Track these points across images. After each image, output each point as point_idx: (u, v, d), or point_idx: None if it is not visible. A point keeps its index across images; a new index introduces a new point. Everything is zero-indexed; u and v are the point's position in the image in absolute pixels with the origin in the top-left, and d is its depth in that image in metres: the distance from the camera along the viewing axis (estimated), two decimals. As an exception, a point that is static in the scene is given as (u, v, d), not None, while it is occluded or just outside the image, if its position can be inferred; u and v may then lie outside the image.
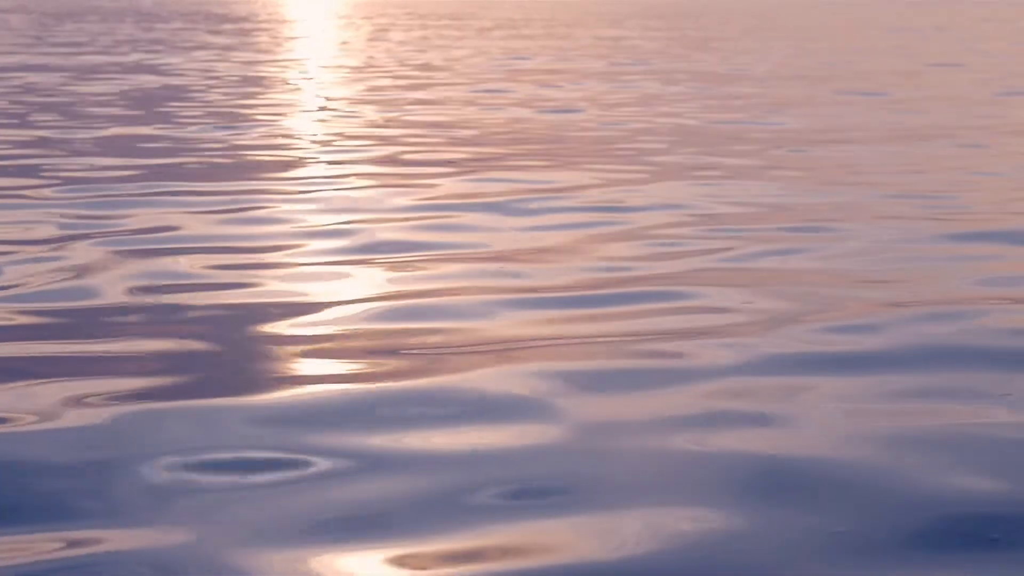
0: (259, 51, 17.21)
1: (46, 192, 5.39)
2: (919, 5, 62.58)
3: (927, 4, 63.25)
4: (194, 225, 4.64)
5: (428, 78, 12.42)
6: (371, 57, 15.93)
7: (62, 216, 4.83)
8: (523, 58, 15.94)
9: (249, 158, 6.50)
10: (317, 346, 3.06)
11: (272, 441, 2.39)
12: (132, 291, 3.63)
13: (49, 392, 2.68)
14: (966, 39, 22.38)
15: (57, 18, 32.00)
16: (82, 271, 3.87)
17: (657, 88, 11.32)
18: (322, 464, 2.26)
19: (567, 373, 2.85)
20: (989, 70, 14.00)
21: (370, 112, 8.98)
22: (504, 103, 9.81)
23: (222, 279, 3.79)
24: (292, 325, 3.26)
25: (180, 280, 3.77)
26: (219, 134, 7.54)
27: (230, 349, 3.03)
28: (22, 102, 9.62)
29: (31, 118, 8.47)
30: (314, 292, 3.64)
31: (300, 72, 12.85)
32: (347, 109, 9.14)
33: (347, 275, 3.86)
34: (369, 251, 4.22)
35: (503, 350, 3.04)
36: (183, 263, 3.99)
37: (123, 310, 3.40)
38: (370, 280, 3.80)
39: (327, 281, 3.77)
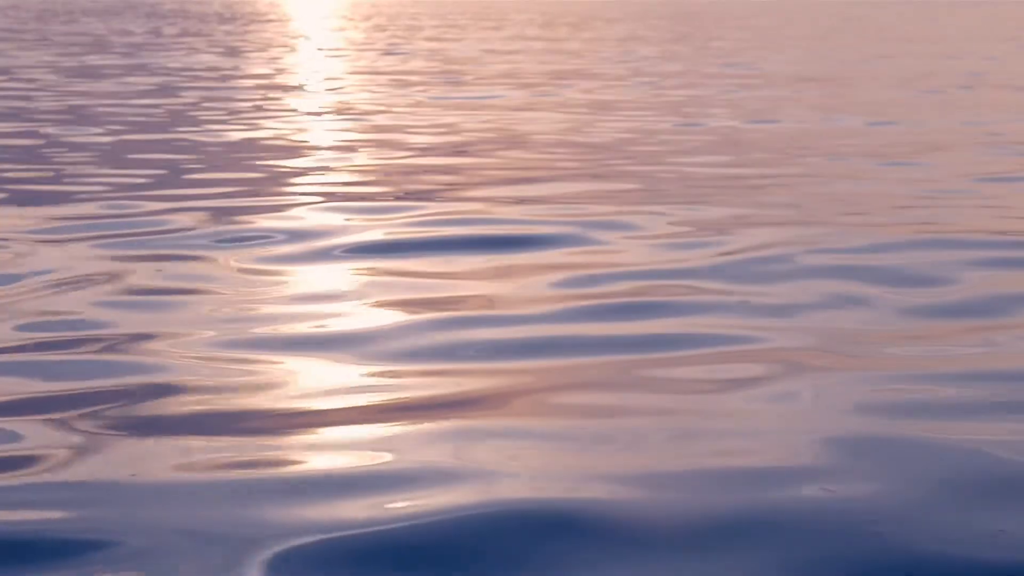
0: (265, 51, 17.15)
1: (69, 199, 5.32)
2: (916, 5, 62.50)
3: (923, 7, 63.20)
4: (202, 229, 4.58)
5: (433, 81, 12.35)
6: (375, 59, 15.87)
7: (83, 225, 4.76)
8: (530, 56, 15.87)
9: (262, 163, 6.44)
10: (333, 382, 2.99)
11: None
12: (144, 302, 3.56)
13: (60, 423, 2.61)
14: (974, 39, 22.33)
15: (56, 16, 31.92)
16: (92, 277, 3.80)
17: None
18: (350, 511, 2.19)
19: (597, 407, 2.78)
20: (1006, 69, 13.95)
21: (380, 118, 8.91)
22: (508, 108, 9.74)
23: (239, 287, 3.72)
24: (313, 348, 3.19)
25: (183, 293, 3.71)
26: (235, 136, 7.48)
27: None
28: (27, 105, 9.55)
29: (36, 121, 8.40)
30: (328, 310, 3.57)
31: (303, 72, 12.80)
32: (358, 113, 9.07)
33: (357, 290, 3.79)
34: (381, 260, 4.16)
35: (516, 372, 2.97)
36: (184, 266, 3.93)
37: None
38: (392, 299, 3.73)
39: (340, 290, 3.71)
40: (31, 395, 2.70)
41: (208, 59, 15.34)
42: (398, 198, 5.35)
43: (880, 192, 5.67)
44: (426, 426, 2.53)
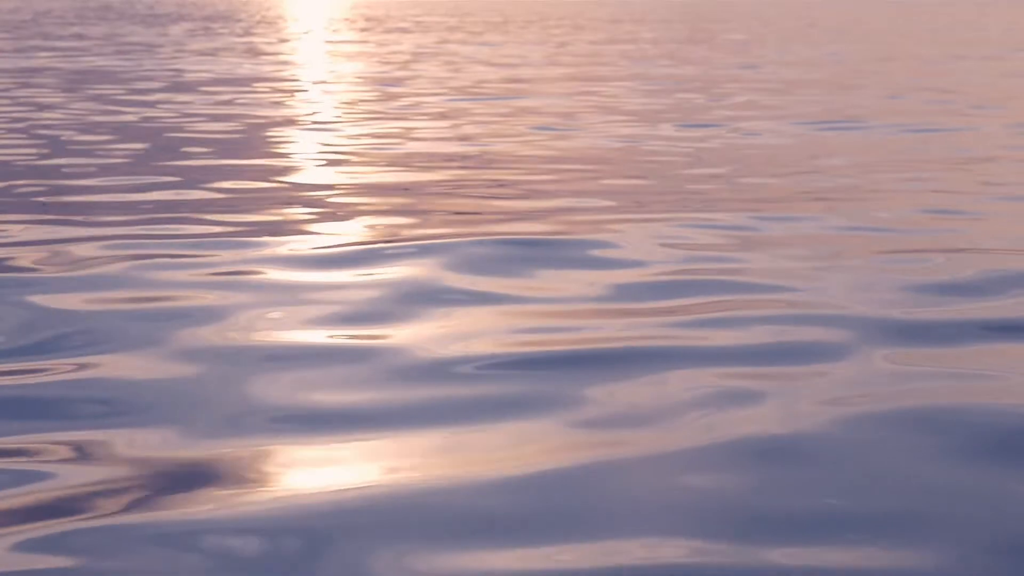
0: (268, 55, 17.09)
1: (75, 206, 5.26)
2: (909, 5, 62.47)
3: (914, 6, 63.14)
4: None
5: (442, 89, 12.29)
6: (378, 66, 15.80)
7: (104, 236, 4.69)
8: (551, 65, 15.81)
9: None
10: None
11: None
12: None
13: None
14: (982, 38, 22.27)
15: (56, 17, 31.87)
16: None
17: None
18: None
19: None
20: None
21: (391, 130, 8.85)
22: (519, 119, 9.68)
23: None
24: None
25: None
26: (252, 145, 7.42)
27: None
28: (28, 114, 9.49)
29: (41, 128, 8.34)
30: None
31: (304, 76, 12.74)
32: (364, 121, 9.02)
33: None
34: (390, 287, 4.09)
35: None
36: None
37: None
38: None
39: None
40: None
41: (230, 64, 15.27)
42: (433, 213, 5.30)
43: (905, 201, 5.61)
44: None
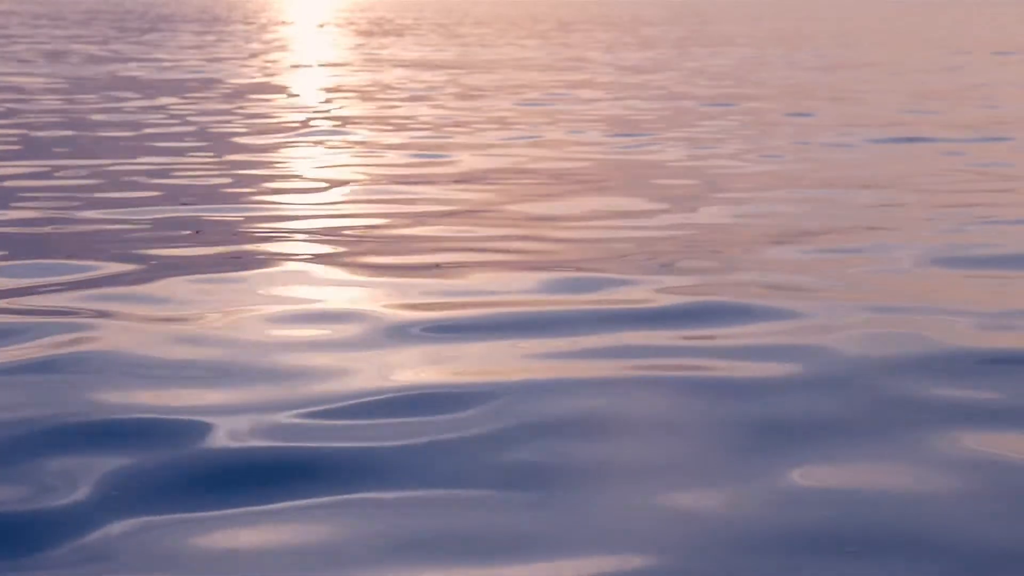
0: (265, 57, 17.04)
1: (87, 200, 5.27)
2: (904, 5, 61.85)
3: (907, 6, 62.53)
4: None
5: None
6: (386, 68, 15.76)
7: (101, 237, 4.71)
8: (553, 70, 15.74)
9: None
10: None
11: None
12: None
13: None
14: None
15: (49, 20, 31.71)
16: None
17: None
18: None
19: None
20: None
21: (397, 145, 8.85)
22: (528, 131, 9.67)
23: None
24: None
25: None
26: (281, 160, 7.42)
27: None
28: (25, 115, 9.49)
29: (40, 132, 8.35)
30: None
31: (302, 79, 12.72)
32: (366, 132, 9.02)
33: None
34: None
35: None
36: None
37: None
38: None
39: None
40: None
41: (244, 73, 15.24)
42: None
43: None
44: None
